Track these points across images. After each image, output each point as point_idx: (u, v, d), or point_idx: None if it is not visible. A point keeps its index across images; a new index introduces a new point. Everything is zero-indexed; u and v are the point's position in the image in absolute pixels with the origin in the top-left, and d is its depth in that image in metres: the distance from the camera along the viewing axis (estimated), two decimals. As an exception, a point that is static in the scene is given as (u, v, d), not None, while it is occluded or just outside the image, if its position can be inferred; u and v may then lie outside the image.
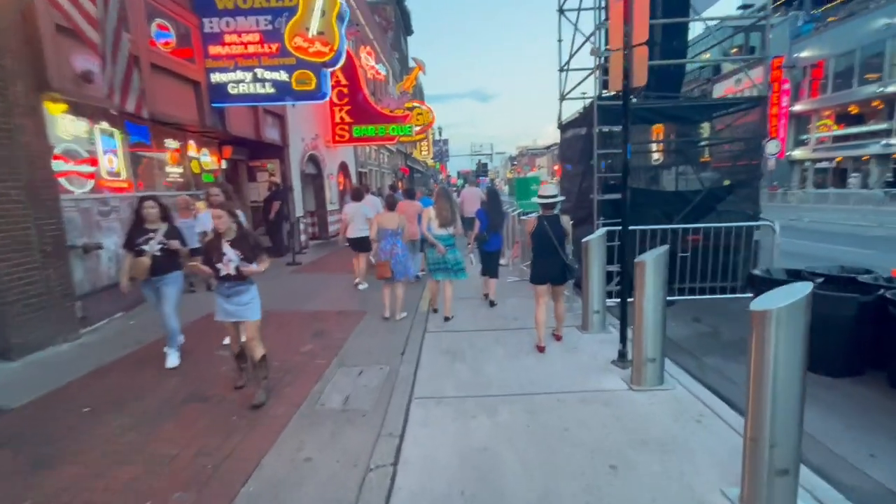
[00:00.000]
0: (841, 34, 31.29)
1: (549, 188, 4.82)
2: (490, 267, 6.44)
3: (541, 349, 4.57)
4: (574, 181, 6.68)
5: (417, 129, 25.41)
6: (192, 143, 8.56)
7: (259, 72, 7.49)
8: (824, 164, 36.78)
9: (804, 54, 34.84)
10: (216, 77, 7.53)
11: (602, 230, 5.10)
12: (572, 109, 7.83)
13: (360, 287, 7.59)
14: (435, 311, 6.04)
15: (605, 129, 6.42)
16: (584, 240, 4.98)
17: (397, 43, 35.32)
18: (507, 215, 8.90)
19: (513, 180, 19.43)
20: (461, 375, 4.07)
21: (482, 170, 36.04)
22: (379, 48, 23.61)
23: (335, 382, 3.96)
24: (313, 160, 13.52)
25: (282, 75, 7.51)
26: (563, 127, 8.30)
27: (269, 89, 7.56)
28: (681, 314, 5.85)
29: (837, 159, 34.91)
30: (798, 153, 37.09)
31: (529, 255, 8.85)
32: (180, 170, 8.14)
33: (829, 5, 37.65)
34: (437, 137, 36.85)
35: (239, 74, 7.52)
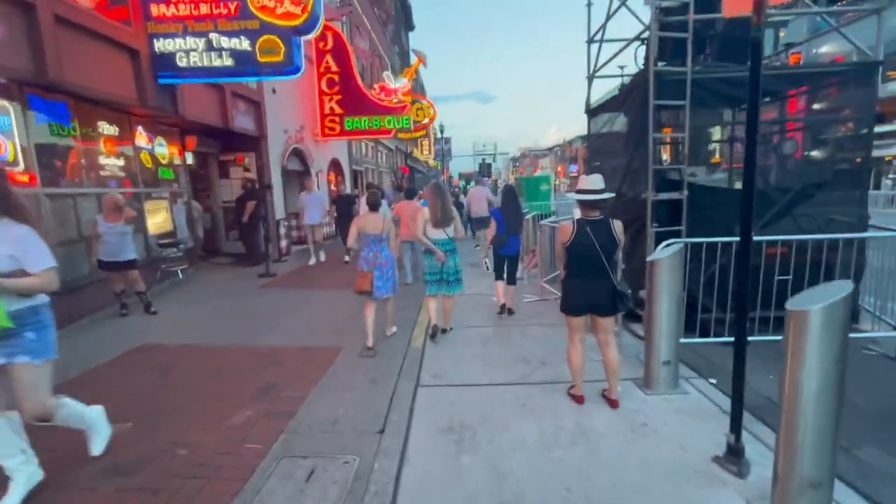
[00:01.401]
0: (862, 29, 29.73)
1: (594, 179, 3.29)
2: (509, 273, 5.60)
3: (586, 425, 3.02)
4: (613, 177, 5.16)
5: (418, 124, 23.97)
6: (140, 130, 7.04)
7: (214, 38, 5.96)
8: (844, 166, 35.29)
9: (822, 50, 33.32)
10: (161, 45, 6.00)
11: (677, 244, 3.53)
12: (601, 91, 6.28)
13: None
14: (433, 337, 4.82)
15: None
16: (650, 258, 3.43)
17: (397, 37, 33.86)
18: (524, 215, 7.38)
19: (520, 180, 17.84)
20: (472, 481, 2.52)
21: (486, 170, 34.41)
22: (377, 38, 22.13)
23: (263, 501, 2.40)
24: (298, 155, 11.99)
25: (242, 43, 5.98)
26: (593, 111, 6.75)
27: (228, 61, 6.03)
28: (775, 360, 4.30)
29: (857, 160, 33.49)
30: (816, 153, 35.58)
31: (551, 268, 7.38)
32: (120, 162, 6.61)
33: None
34: (438, 136, 35.29)
35: (189, 42, 5.99)
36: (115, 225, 5.36)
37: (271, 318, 5.74)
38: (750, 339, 4.27)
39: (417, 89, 31.78)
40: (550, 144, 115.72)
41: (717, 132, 10.05)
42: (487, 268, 5.56)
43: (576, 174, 77.40)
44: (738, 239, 4.03)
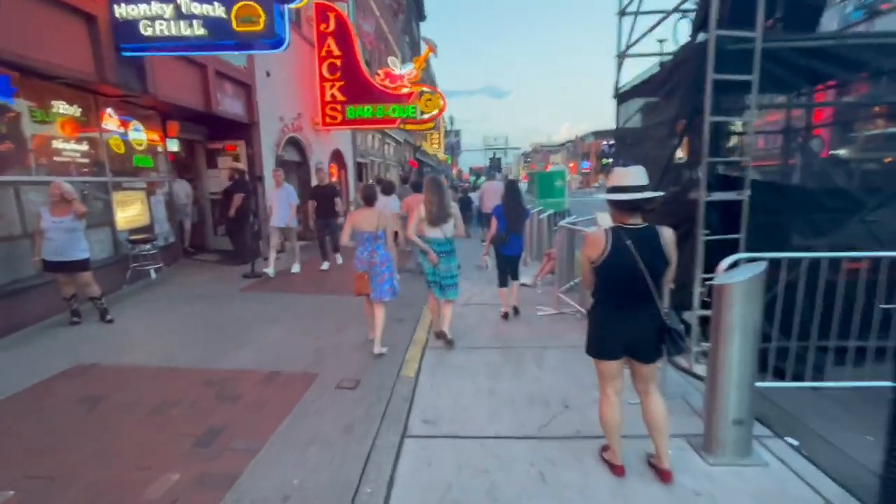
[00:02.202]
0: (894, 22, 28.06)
1: (636, 172, 2.35)
2: (514, 271, 5.28)
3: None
4: (649, 173, 4.24)
5: (427, 116, 23.05)
6: (109, 112, 6.26)
7: (184, 3, 5.13)
8: (872, 166, 33.72)
9: (632, 119, 31.63)
10: (122, 10, 5.19)
11: (759, 264, 2.59)
12: (633, 72, 5.28)
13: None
14: (438, 336, 4.56)
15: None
16: (719, 281, 2.53)
17: (408, 27, 32.92)
18: (528, 213, 6.54)
19: (534, 174, 16.88)
20: None
21: (496, 165, 33.41)
22: (384, 23, 21.20)
23: None
24: (295, 145, 11.19)
25: (216, 9, 5.14)
26: (623, 95, 5.81)
27: (200, 30, 5.20)
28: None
29: (886, 160, 31.91)
30: (843, 152, 34.01)
31: (569, 275, 6.45)
32: (83, 147, 5.83)
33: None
34: (448, 128, 34.31)
35: (155, 7, 5.17)
36: (62, 219, 4.58)
37: (244, 330, 4.94)
38: (835, 384, 3.39)
39: (428, 81, 30.81)
40: (562, 140, 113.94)
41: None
42: (487, 265, 5.28)
43: (587, 170, 75.81)
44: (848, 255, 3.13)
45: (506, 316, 5.25)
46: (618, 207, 2.31)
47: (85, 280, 4.85)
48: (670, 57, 5.20)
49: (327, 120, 12.20)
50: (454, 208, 4.35)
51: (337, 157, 14.24)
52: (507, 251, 5.10)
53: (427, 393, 3.48)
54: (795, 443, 2.78)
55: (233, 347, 4.39)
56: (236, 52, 7.46)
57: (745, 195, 3.66)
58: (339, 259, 8.48)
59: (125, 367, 3.94)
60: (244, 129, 8.77)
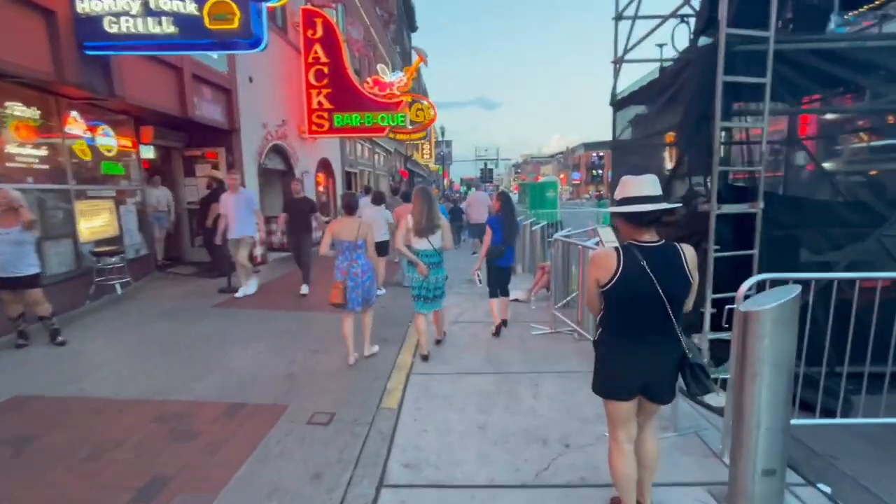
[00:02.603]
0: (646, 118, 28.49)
1: (647, 181, 2.02)
2: (502, 285, 5.04)
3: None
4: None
5: (417, 125, 22.81)
6: (74, 115, 5.83)
7: (152, -1, 4.77)
8: (858, 178, 34.15)
9: (629, 129, 32.24)
10: (85, 5, 4.81)
11: (792, 288, 2.25)
12: (629, 79, 5.00)
13: (379, 292, 6.32)
14: (424, 358, 4.29)
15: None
16: (745, 308, 2.19)
17: (399, 37, 32.89)
18: (519, 224, 6.42)
19: (525, 185, 16.65)
20: None
21: (488, 175, 33.26)
22: (376, 36, 21.04)
23: None
24: (280, 153, 10.80)
25: (187, 6, 4.78)
26: (621, 102, 5.55)
27: (170, 28, 4.83)
28: None
29: (872, 172, 32.35)
30: (828, 165, 34.42)
31: (565, 292, 6.10)
32: (43, 152, 5.40)
33: (862, 9, 35.13)
34: (439, 138, 34.16)
35: (121, 2, 4.80)
36: (8, 231, 4.14)
37: (211, 352, 4.50)
38: (871, 421, 3.05)
39: (419, 91, 30.72)
40: (553, 152, 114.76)
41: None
42: (480, 281, 5.00)
43: (578, 181, 76.08)
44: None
45: (497, 331, 5.00)
46: (631, 221, 1.95)
47: (34, 298, 4.39)
48: (669, 63, 4.96)
49: (314, 128, 11.86)
50: (443, 219, 4.24)
51: (324, 166, 13.87)
52: (501, 263, 4.94)
53: (409, 429, 3.08)
54: (828, 490, 2.43)
55: (196, 373, 3.96)
56: (211, 53, 7.12)
57: (758, 207, 3.36)
58: (305, 289, 6.99)
59: (69, 398, 3.49)
60: (224, 136, 8.38)
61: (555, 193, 14.75)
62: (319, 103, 11.76)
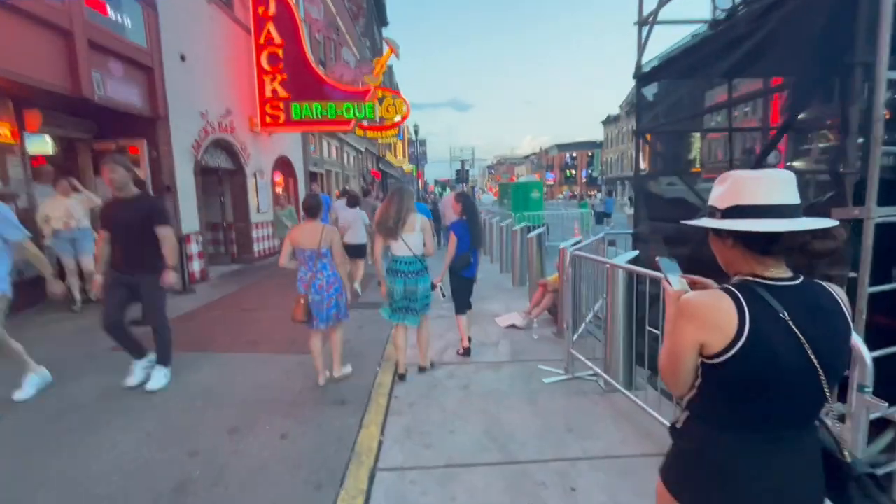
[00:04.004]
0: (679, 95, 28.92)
1: (777, 182, 1.08)
2: (464, 298, 4.40)
3: None
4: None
5: (388, 122, 21.30)
6: None
7: None
8: (825, 177, 34.64)
9: (655, 109, 32.71)
10: None
11: None
12: (657, 47, 3.72)
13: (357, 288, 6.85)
14: (402, 377, 3.85)
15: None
16: None
17: (369, 31, 31.34)
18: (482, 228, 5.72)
19: (507, 186, 15.44)
20: None
21: (464, 176, 32.00)
22: (343, 26, 19.48)
23: None
24: (226, 149, 9.19)
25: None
26: (650, 75, 4.31)
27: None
28: None
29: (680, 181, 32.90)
30: (798, 164, 34.81)
31: (579, 317, 4.66)
32: None
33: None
34: (413, 137, 32.69)
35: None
36: None
37: (68, 439, 2.98)
38: None
39: (389, 84, 29.24)
40: (526, 153, 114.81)
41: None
42: (443, 294, 4.25)
43: (552, 182, 75.93)
44: None
45: (467, 352, 4.37)
46: (754, 248, 1.10)
47: None
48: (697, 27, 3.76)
49: (268, 120, 10.31)
50: (424, 221, 3.73)
51: (283, 164, 12.26)
52: (468, 273, 4.35)
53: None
54: None
55: (22, 494, 2.44)
56: (122, 18, 5.50)
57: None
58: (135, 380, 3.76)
59: None
60: (146, 126, 6.76)
61: (539, 194, 13.61)
62: (274, 91, 10.22)
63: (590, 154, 70.93)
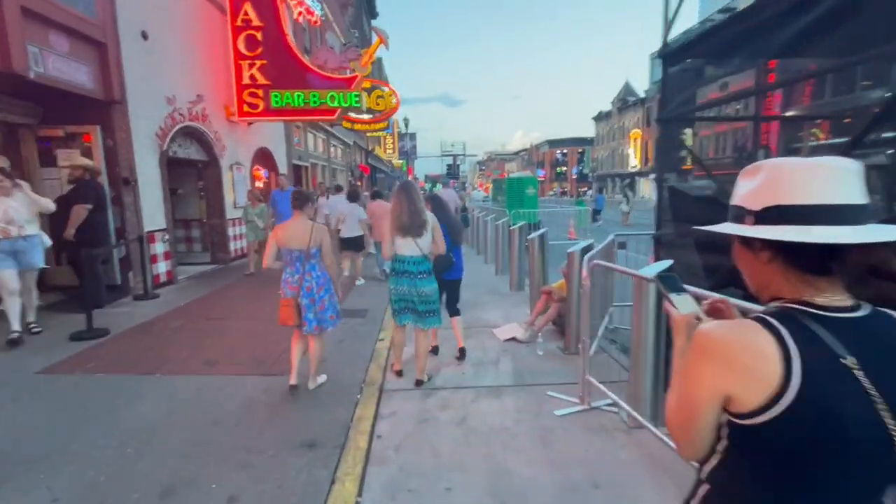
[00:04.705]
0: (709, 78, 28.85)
1: (840, 174, 0.73)
2: (453, 302, 4.19)
3: None
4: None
5: (377, 114, 20.51)
6: None
7: None
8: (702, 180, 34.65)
9: (685, 93, 32.59)
10: None
11: None
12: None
13: (358, 283, 7.16)
14: (399, 373, 3.73)
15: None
16: None
17: (358, 22, 30.45)
18: (460, 223, 5.18)
19: (501, 182, 14.83)
20: None
21: (455, 171, 31.26)
22: (329, 13, 18.63)
23: None
24: (197, 138, 8.41)
25: None
26: (679, 53, 3.69)
27: None
28: None
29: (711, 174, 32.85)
30: (684, 170, 34.70)
31: (591, 331, 3.94)
32: None
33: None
34: (403, 131, 31.86)
35: None
36: None
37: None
38: None
39: (378, 75, 28.43)
40: (517, 149, 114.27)
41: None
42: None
43: (543, 178, 75.36)
44: None
45: (435, 351, 4.26)
46: (803, 265, 0.78)
47: None
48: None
49: (246, 108, 9.55)
50: (433, 219, 3.51)
51: (264, 157, 11.49)
52: (453, 275, 4.07)
53: None
54: None
55: None
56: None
57: None
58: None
59: None
60: (100, 110, 5.98)
61: (535, 190, 13.03)
62: (252, 78, 9.45)
63: (580, 151, 70.70)
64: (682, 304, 0.96)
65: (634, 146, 48.06)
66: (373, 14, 36.62)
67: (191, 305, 6.10)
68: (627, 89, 54.76)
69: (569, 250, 4.37)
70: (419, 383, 3.61)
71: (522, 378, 3.83)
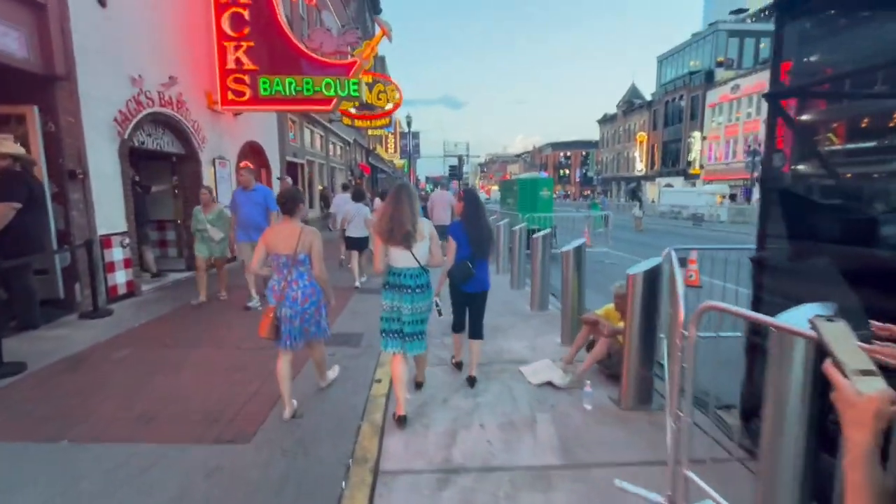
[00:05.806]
0: (856, 36, 27.95)
1: None
2: (475, 320, 3.67)
3: None
4: None
5: (379, 110, 19.45)
6: None
7: None
8: (831, 182, 33.82)
9: (813, 58, 31.73)
10: None
11: None
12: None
13: (358, 283, 6.90)
14: (401, 421, 3.02)
15: None
16: None
17: (361, 18, 29.45)
18: (493, 231, 4.30)
19: (512, 182, 13.73)
20: None
21: (457, 173, 30.14)
22: (333, 8, 17.57)
23: None
24: (171, 127, 7.32)
25: None
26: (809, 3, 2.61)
27: None
28: None
29: (848, 175, 32.04)
30: (803, 167, 33.77)
31: (676, 381, 2.99)
32: None
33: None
34: (405, 130, 30.74)
35: None
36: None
37: None
38: None
39: (380, 69, 27.38)
40: (518, 151, 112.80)
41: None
42: (440, 312, 3.39)
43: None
44: None
45: (458, 366, 3.88)
46: None
47: None
48: None
49: (230, 96, 8.45)
50: (429, 226, 3.06)
51: (252, 152, 10.39)
52: (470, 287, 3.55)
53: None
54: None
55: None
56: None
57: None
58: None
59: None
60: (37, 87, 4.90)
61: (550, 192, 11.93)
62: (238, 62, 8.37)
63: (584, 154, 69.62)
64: (863, 380, 0.59)
65: (640, 150, 47.03)
66: (376, 10, 35.68)
67: (147, 327, 5.00)
68: (633, 92, 53.78)
69: (629, 271, 3.29)
70: (401, 421, 3.00)
71: (573, 453, 2.74)
